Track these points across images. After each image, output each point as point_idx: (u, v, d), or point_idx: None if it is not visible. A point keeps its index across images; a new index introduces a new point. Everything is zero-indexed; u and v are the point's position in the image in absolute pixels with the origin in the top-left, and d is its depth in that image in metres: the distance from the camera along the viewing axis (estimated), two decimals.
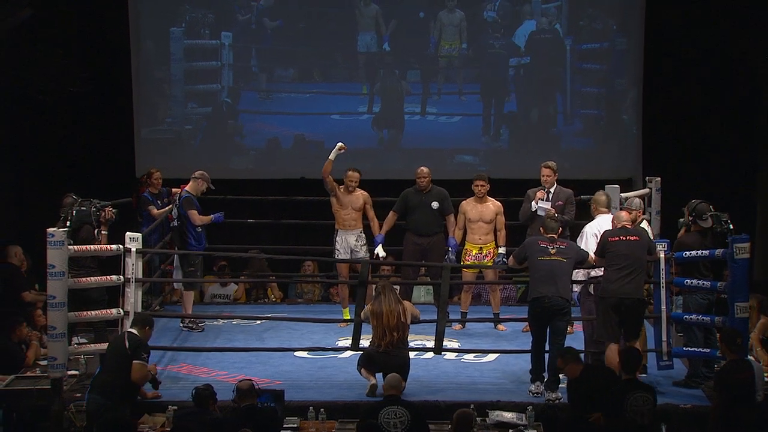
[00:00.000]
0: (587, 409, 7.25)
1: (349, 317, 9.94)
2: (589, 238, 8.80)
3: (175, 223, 10.05)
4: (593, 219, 9.01)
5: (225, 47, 13.29)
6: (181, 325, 10.11)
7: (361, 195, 10.20)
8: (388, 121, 13.43)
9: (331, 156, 10.02)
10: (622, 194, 9.66)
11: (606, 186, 9.84)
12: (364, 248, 10.19)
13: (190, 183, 10.16)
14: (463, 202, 10.21)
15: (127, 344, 7.65)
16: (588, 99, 13.40)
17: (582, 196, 10.21)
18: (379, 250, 10.17)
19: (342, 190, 10.15)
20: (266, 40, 13.41)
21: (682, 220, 9.05)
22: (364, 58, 13.41)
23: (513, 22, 13.32)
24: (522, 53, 13.33)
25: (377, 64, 13.42)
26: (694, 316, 8.68)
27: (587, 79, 13.38)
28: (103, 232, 9.27)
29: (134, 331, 7.76)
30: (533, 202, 9.81)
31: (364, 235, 10.23)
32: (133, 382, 7.70)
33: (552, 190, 9.87)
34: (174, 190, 10.60)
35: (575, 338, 9.18)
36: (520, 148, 13.21)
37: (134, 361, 7.66)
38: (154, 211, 10.48)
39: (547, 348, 8.38)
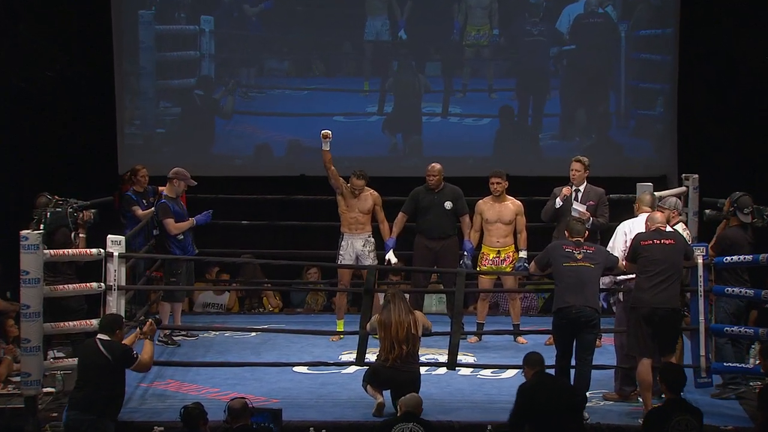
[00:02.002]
0: (524, 418, 7.17)
1: (342, 329, 9.95)
2: (618, 237, 8.78)
3: (156, 232, 10.00)
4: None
5: (205, 34, 12.57)
6: (157, 339, 10.04)
7: (370, 195, 10.14)
8: (402, 124, 12.76)
9: (324, 147, 9.94)
10: (655, 193, 9.59)
11: (638, 184, 9.81)
12: (372, 254, 10.13)
13: (167, 185, 10.10)
14: (480, 201, 10.17)
15: (105, 352, 7.55)
16: (647, 96, 12.63)
17: (612, 195, 10.19)
18: (391, 256, 10.10)
19: (348, 188, 10.09)
20: (255, 26, 12.70)
21: (708, 211, 9.08)
22: (372, 48, 12.73)
23: (555, 3, 12.58)
24: (566, 41, 12.59)
25: (390, 55, 12.72)
26: (735, 328, 8.68)
27: (646, 72, 12.59)
28: (80, 235, 9.25)
29: (105, 337, 7.65)
30: (558, 199, 9.77)
31: (373, 240, 10.17)
32: (116, 396, 7.66)
33: (581, 188, 9.82)
34: (161, 188, 10.54)
35: (604, 352, 9.21)
36: (563, 156, 12.23)
37: (133, 368, 7.67)
38: (139, 211, 10.44)
39: (573, 363, 8.32)
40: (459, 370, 9.11)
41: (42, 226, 8.96)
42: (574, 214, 9.55)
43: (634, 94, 12.73)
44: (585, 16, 12.61)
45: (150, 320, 7.99)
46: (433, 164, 10.22)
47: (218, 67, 12.78)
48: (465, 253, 10.10)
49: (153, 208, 10.33)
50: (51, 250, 8.56)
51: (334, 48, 12.90)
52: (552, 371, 8.34)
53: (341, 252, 10.17)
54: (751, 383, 8.84)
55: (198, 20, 12.64)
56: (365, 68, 12.92)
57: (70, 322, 8.70)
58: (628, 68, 12.64)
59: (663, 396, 8.19)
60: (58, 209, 9.14)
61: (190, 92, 12.70)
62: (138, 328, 7.91)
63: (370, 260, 10.06)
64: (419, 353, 8.47)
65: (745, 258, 8.62)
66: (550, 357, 8.55)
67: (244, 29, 12.78)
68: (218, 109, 12.88)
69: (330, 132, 9.93)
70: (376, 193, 10.18)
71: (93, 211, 9.39)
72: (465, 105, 12.80)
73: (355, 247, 10.12)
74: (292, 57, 12.84)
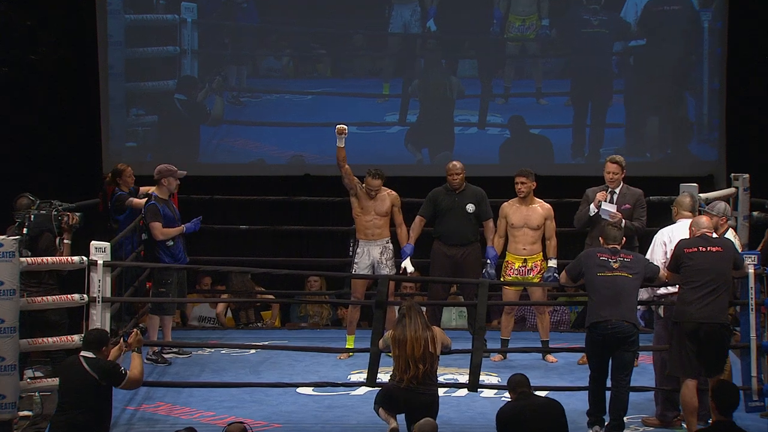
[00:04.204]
0: None
1: (352, 346, 9.95)
2: (657, 247, 8.74)
3: (145, 236, 9.99)
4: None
5: (187, 25, 11.91)
6: (146, 356, 10.04)
7: (387, 196, 10.11)
8: (429, 136, 12.20)
9: (339, 143, 9.92)
10: (701, 195, 9.57)
11: (681, 185, 9.78)
12: (390, 263, 10.12)
13: (156, 187, 10.09)
14: (505, 203, 10.14)
15: (90, 371, 7.54)
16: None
17: (651, 197, 10.17)
18: (407, 264, 10.07)
19: (363, 189, 10.08)
20: (248, 15, 12.11)
21: (755, 214, 9.04)
22: (397, 42, 12.08)
23: None
24: (634, 34, 11.97)
25: (415, 51, 12.10)
26: None
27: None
28: (65, 240, 9.22)
29: (89, 354, 7.63)
30: (592, 205, 9.73)
31: (391, 247, 10.16)
32: (102, 419, 7.66)
33: (617, 190, 9.78)
34: (143, 189, 10.51)
35: (643, 372, 9.16)
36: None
37: (122, 386, 7.65)
38: (135, 201, 10.39)
39: (608, 384, 8.27)
40: (481, 391, 9.08)
41: (25, 230, 8.95)
42: (603, 215, 9.52)
43: (719, 97, 12.09)
44: (657, 2, 11.92)
45: (135, 330, 7.97)
46: (454, 162, 10.20)
47: (203, 65, 12.16)
48: (488, 261, 10.07)
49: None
50: (28, 258, 8.55)
51: (345, 42, 12.33)
52: (585, 393, 8.40)
53: (356, 260, 10.14)
54: None
55: (178, 8, 11.96)
56: (384, 67, 12.31)
57: (50, 339, 8.69)
58: (712, 66, 11.95)
59: (710, 421, 8.21)
60: (42, 212, 9.13)
61: (169, 97, 12.13)
62: (122, 340, 7.89)
63: (387, 269, 10.05)
64: (437, 373, 8.40)
65: None
66: (583, 377, 8.65)
67: (234, 19, 12.16)
68: (204, 117, 12.31)
69: (346, 126, 9.89)
70: (394, 193, 10.15)
71: (79, 214, 9.36)
72: (507, 113, 12.18)
73: (372, 255, 10.10)
74: (293, 53, 12.29)
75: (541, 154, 12.34)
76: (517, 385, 7.56)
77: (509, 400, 7.65)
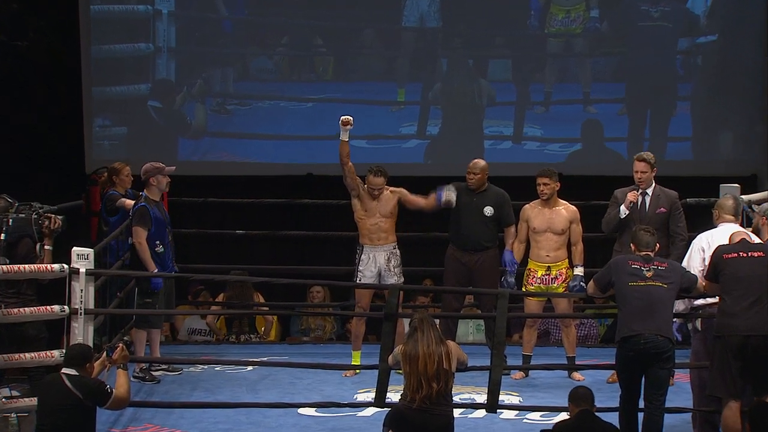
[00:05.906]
0: None
1: (358, 363, 9.92)
2: (694, 253, 8.67)
3: (131, 241, 9.92)
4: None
5: (162, 18, 11.47)
6: (132, 373, 9.97)
7: (391, 195, 10.06)
8: (454, 151, 11.79)
9: (343, 137, 9.84)
10: (743, 196, 9.50)
11: (721, 185, 9.72)
12: (398, 270, 10.06)
13: (145, 189, 10.01)
14: (526, 205, 10.10)
15: (73, 389, 7.50)
16: None
17: (688, 200, 10.13)
18: (449, 193, 9.61)
19: (366, 190, 10.02)
20: (236, 7, 11.71)
21: None
22: (413, 38, 11.64)
23: None
24: (703, 29, 11.50)
25: (437, 49, 11.72)
26: None
27: None
28: (46, 246, 9.20)
29: (72, 371, 7.59)
30: (622, 207, 9.67)
31: (398, 253, 10.10)
32: None
33: (649, 191, 9.71)
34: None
35: (679, 391, 9.10)
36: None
37: (107, 405, 7.61)
38: (128, 202, 10.33)
39: (641, 405, 8.20)
40: (501, 412, 9.03)
41: (3, 236, 8.91)
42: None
43: (763, 89, 11.64)
44: None
45: (120, 344, 7.90)
46: (476, 160, 10.15)
47: (181, 66, 11.72)
48: (508, 269, 10.03)
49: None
50: (5, 266, 8.53)
51: (352, 38, 11.93)
52: (615, 415, 8.27)
53: (360, 268, 10.09)
54: None
55: None
56: (399, 69, 11.89)
57: (27, 354, 8.64)
58: None
59: None
60: (21, 215, 9.12)
61: (141, 104, 11.72)
62: (105, 354, 7.81)
63: (395, 278, 10.01)
64: (452, 392, 8.24)
65: None
66: (613, 397, 8.50)
67: (218, 11, 11.75)
68: (183, 128, 11.92)
69: (351, 117, 9.77)
70: (398, 189, 10.06)
71: (61, 217, 9.33)
72: (549, 124, 11.70)
73: (378, 262, 10.05)
74: (289, 51, 11.90)
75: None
76: (580, 399, 7.44)
77: (567, 417, 7.54)
